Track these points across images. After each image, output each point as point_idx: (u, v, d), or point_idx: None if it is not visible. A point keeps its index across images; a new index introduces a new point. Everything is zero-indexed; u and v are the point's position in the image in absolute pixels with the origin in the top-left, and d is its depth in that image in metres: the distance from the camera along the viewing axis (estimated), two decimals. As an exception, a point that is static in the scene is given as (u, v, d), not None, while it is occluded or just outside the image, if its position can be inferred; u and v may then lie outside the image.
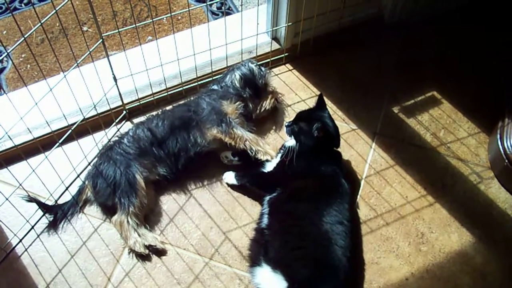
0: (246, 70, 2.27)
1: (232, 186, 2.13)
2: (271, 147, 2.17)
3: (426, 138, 2.32)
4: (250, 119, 2.27)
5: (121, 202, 1.95)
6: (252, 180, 2.08)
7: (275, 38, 2.60)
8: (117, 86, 2.19)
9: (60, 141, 2.01)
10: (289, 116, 2.38)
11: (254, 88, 2.26)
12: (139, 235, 1.93)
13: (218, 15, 3.00)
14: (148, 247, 1.92)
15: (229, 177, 2.11)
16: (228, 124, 2.09)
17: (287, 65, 2.62)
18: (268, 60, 2.56)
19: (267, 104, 2.30)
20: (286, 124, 2.08)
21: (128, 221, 1.93)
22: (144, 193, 1.99)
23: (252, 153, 2.08)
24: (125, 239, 1.94)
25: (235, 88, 2.24)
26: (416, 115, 2.41)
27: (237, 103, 2.19)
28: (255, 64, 2.31)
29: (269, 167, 2.07)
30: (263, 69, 2.32)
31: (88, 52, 1.90)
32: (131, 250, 1.93)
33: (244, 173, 2.08)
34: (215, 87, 2.27)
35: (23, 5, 2.97)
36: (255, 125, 2.27)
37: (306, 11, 2.39)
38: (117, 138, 2.14)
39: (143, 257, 1.94)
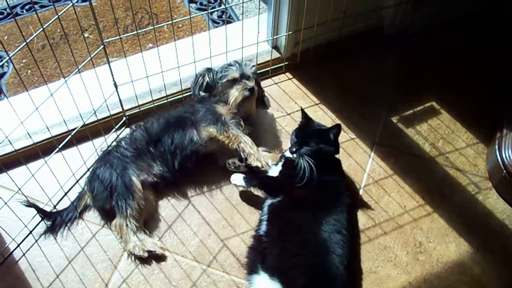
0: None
1: (231, 193, 2.13)
2: (271, 156, 2.17)
3: (424, 148, 2.33)
4: (251, 124, 2.27)
5: (119, 205, 1.94)
6: (262, 184, 2.04)
7: (275, 47, 2.62)
8: (118, 93, 2.20)
9: (60, 146, 2.01)
10: (289, 124, 2.39)
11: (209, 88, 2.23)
12: (138, 239, 1.93)
13: (218, 23, 3.01)
14: (148, 252, 1.92)
15: (238, 179, 2.04)
16: (223, 123, 2.09)
17: (287, 73, 2.63)
18: (268, 68, 2.57)
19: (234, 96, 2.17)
20: (294, 150, 1.96)
21: (127, 224, 1.93)
22: (142, 195, 1.99)
23: (244, 155, 2.07)
24: (124, 243, 1.94)
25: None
26: (415, 125, 2.42)
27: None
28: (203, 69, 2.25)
29: (272, 174, 2.05)
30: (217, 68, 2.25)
31: (90, 57, 1.91)
32: (130, 254, 1.93)
33: (253, 176, 2.05)
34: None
35: (24, 11, 2.98)
36: (254, 129, 2.28)
37: (306, 21, 2.41)
38: (115, 143, 2.15)
39: (141, 263, 1.93)
